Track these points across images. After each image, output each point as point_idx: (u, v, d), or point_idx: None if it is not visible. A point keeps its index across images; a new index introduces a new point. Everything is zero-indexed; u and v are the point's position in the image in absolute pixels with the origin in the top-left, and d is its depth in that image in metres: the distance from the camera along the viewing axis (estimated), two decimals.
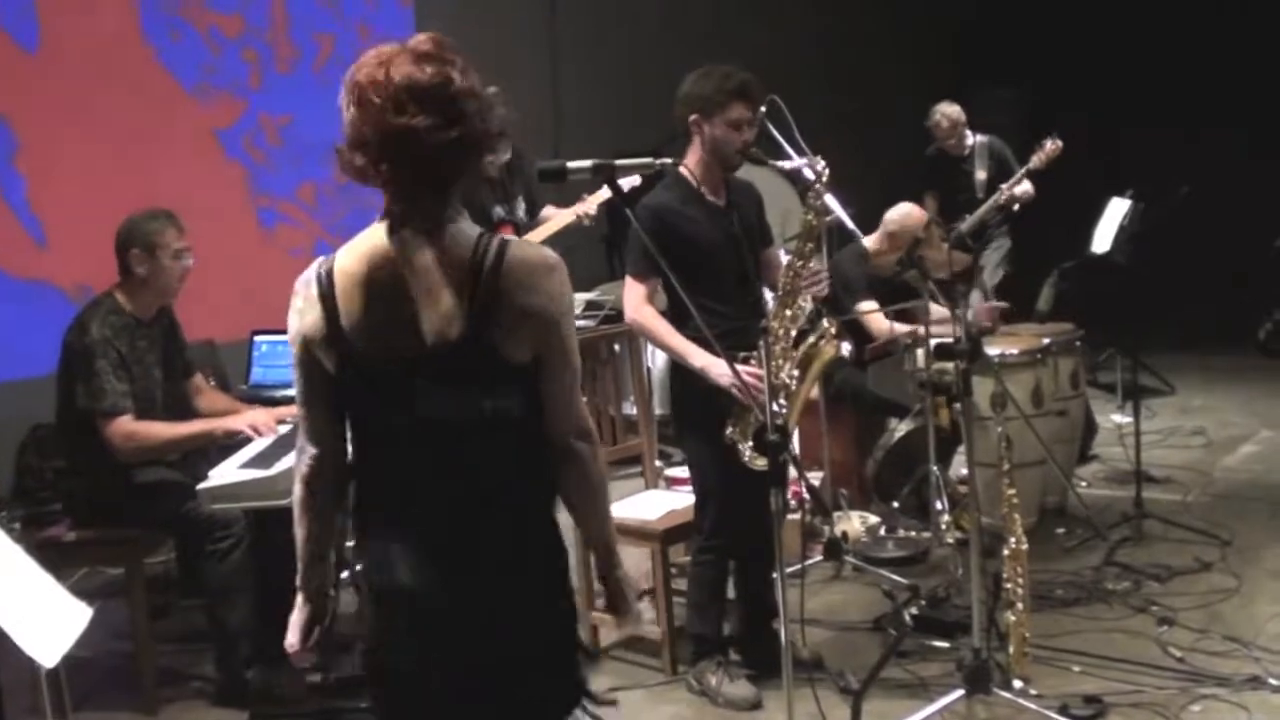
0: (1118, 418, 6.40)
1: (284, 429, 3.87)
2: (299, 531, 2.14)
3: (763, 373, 3.07)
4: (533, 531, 2.07)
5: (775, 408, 3.26)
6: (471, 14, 6.90)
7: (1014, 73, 8.99)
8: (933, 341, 4.22)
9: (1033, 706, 3.44)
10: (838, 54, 9.08)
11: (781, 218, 5.44)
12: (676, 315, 3.57)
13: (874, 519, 5.06)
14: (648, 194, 3.72)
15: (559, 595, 2.12)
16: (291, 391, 2.10)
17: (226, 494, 3.55)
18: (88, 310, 3.89)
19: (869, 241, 5.29)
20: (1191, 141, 8.24)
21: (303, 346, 2.01)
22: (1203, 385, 7.52)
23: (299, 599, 2.17)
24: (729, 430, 3.52)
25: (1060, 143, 6.05)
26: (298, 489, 2.12)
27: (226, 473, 3.61)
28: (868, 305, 5.13)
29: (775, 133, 4.33)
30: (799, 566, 4.39)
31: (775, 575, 2.87)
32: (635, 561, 3.90)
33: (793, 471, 2.64)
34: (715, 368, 3.43)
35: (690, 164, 3.66)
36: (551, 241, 5.05)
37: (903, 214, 5.26)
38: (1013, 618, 3.59)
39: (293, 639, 2.17)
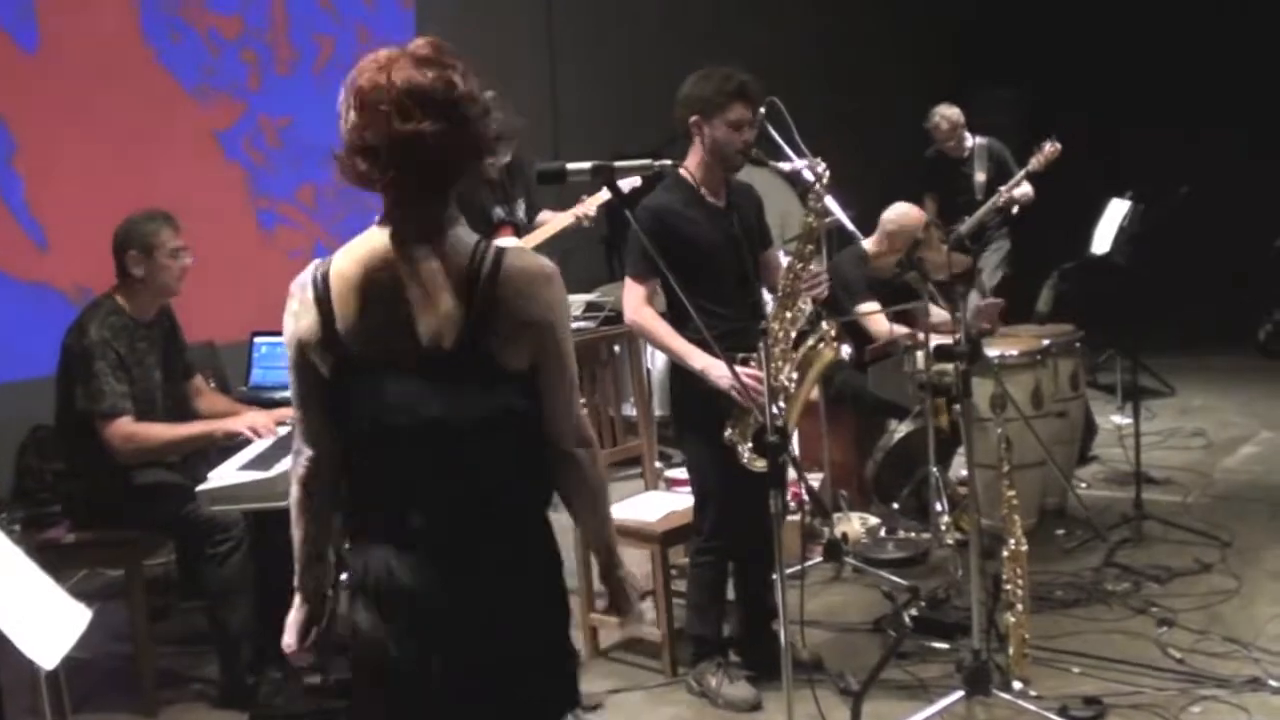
0: (1117, 419, 6.40)
1: (283, 430, 3.86)
2: (296, 533, 2.14)
3: (762, 374, 3.07)
4: (533, 531, 2.07)
5: (775, 409, 3.26)
6: (472, 15, 6.91)
7: (1014, 73, 8.99)
8: (932, 343, 4.22)
9: (1032, 708, 3.44)
10: (838, 54, 9.08)
11: (781, 219, 5.45)
12: (676, 317, 3.57)
13: (874, 520, 5.06)
14: (648, 195, 3.72)
15: (558, 595, 2.12)
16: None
17: (226, 496, 3.54)
18: (87, 312, 3.90)
19: (868, 243, 5.28)
20: (1191, 142, 8.24)
21: (298, 349, 2.01)
22: (1202, 386, 7.51)
23: (296, 599, 2.18)
24: (728, 432, 3.52)
25: (1059, 145, 6.05)
26: (294, 490, 2.12)
27: (226, 474, 3.59)
28: (867, 307, 5.12)
29: (774, 134, 4.33)
30: (799, 568, 4.38)
31: (775, 576, 2.87)
32: (635, 563, 3.88)
33: (792, 473, 2.64)
34: (715, 369, 3.43)
35: (690, 165, 3.66)
36: (551, 243, 5.05)
37: (900, 213, 5.26)
38: (1012, 619, 3.59)
39: (290, 639, 2.18)
